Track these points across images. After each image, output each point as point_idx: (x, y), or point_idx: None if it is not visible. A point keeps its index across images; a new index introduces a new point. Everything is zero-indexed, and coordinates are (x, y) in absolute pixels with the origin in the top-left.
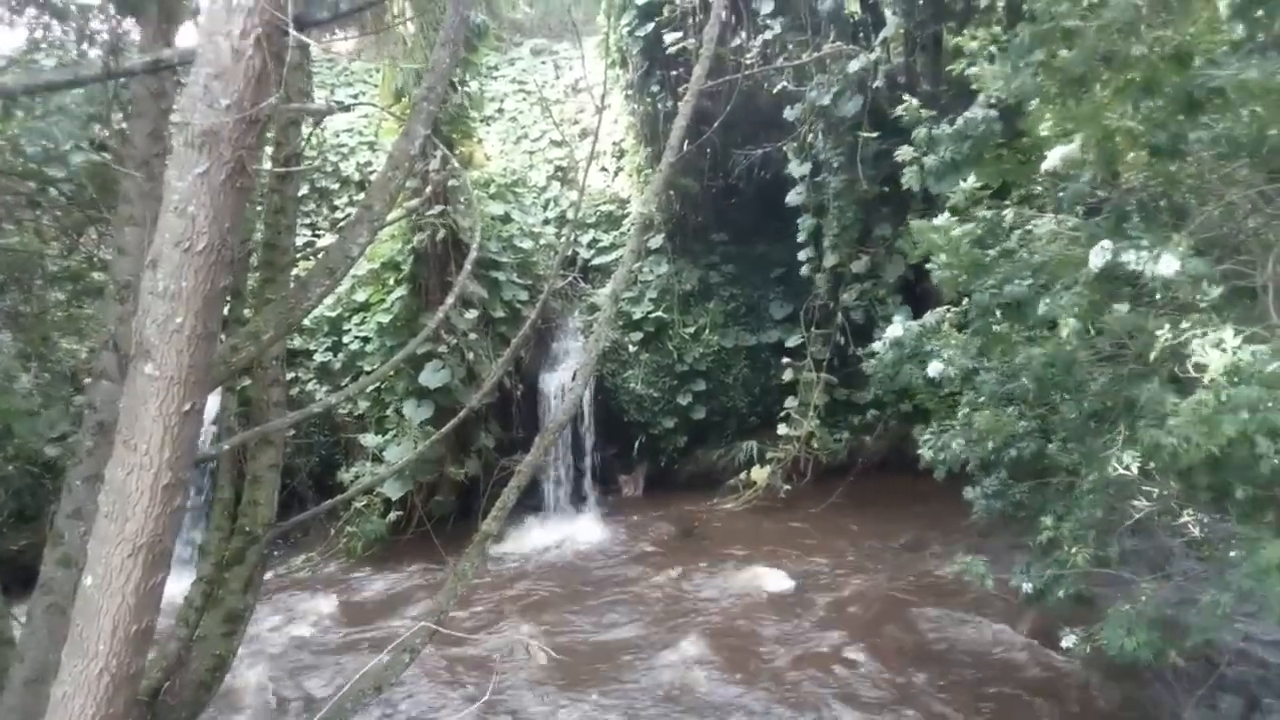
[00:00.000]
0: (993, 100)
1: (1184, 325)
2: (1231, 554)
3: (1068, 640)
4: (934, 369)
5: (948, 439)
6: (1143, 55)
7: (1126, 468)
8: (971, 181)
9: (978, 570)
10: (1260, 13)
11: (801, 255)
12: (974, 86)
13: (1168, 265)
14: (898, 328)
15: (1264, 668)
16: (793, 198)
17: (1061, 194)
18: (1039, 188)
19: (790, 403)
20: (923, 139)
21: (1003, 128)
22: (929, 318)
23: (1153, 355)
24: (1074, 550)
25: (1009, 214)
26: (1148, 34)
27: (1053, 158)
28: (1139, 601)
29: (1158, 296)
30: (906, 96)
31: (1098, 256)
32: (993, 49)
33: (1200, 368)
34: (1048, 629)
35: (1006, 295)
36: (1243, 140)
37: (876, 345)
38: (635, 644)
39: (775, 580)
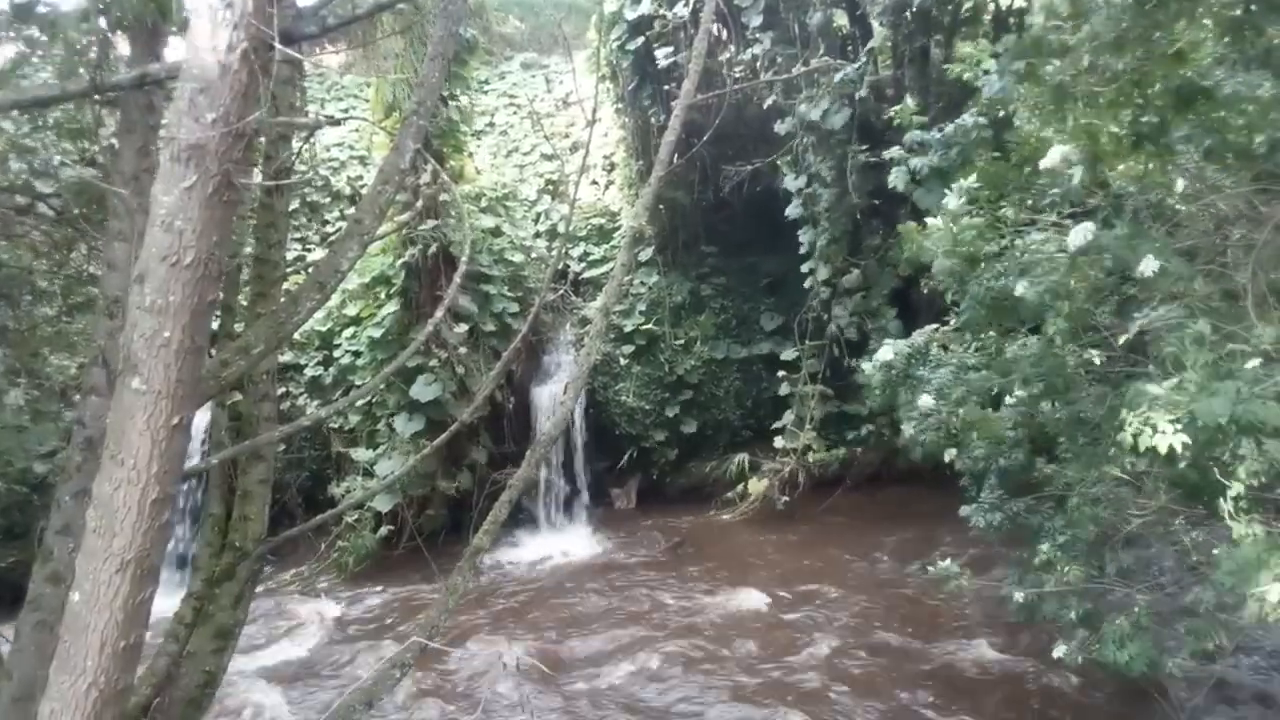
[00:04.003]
0: (984, 109)
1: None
2: (1215, 551)
3: (1058, 650)
4: (924, 403)
5: (931, 421)
6: (1130, 68)
7: (1120, 470)
8: (972, 180)
9: (952, 573)
10: (1248, 32)
11: (805, 268)
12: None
13: (1149, 265)
14: (888, 350)
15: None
16: (792, 210)
17: (1054, 192)
18: (1033, 192)
19: (788, 415)
20: (912, 142)
21: (993, 135)
22: (917, 338)
23: (1123, 339)
24: (1066, 570)
25: (1009, 211)
26: (1132, 48)
27: (1052, 155)
28: (1133, 614)
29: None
30: (903, 101)
31: (1078, 236)
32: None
33: (1179, 364)
34: (1041, 641)
35: (999, 289)
36: (1231, 144)
37: (867, 366)
38: (624, 659)
39: (765, 594)
